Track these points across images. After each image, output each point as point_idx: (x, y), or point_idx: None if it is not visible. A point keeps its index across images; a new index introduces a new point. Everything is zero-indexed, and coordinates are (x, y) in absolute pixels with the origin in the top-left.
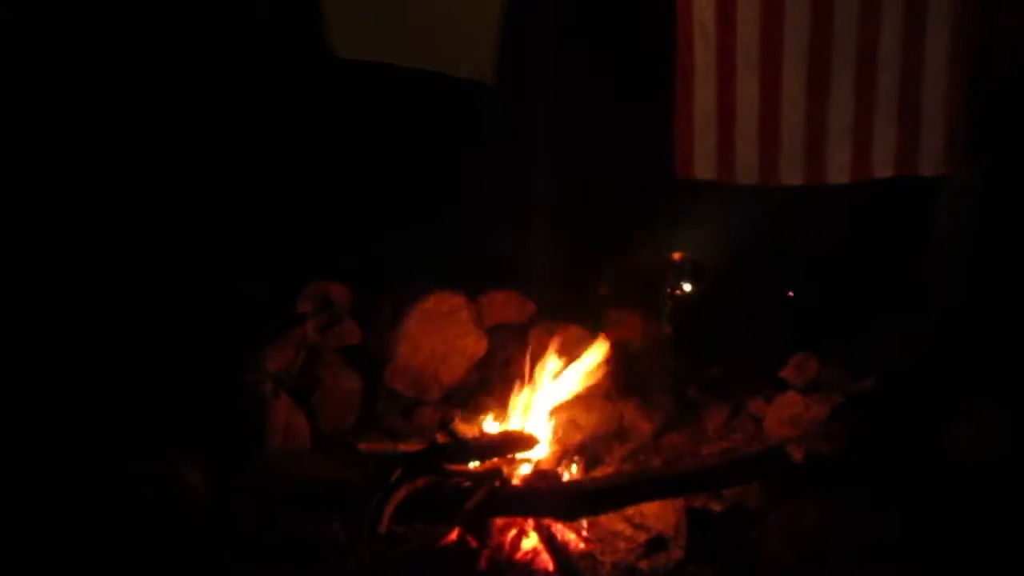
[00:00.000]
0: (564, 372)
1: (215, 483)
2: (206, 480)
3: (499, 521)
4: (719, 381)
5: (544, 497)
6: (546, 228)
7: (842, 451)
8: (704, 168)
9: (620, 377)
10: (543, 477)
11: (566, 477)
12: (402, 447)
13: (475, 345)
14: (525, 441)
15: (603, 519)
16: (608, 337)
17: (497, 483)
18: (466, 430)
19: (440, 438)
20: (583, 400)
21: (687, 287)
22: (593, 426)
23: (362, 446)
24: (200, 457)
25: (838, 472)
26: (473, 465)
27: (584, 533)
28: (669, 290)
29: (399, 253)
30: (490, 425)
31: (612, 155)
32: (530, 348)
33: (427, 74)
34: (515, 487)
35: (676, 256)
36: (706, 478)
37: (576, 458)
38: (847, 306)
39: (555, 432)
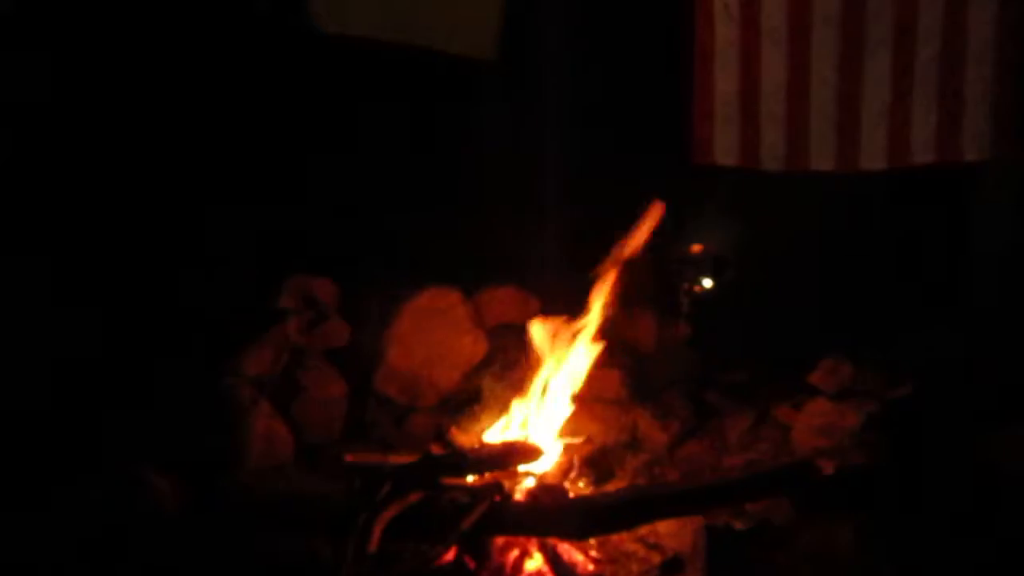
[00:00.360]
0: (560, 372)
1: (187, 497)
2: (177, 493)
3: (499, 540)
4: (742, 386)
5: (549, 514)
6: (552, 218)
7: (878, 464)
8: (725, 153)
9: (633, 382)
10: (548, 492)
11: (573, 492)
12: (393, 459)
13: (473, 347)
14: (528, 452)
15: (614, 539)
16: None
17: (497, 498)
18: (463, 440)
19: (435, 449)
20: (592, 408)
21: (706, 282)
22: (603, 436)
23: (349, 457)
24: (170, 468)
25: (874, 487)
26: (471, 479)
27: (593, 554)
28: (686, 286)
29: (391, 245)
30: (490, 434)
31: (624, 139)
32: (534, 349)
33: (421, 53)
34: (517, 503)
35: (694, 248)
36: (728, 493)
37: (584, 471)
38: (881, 305)
39: (561, 442)
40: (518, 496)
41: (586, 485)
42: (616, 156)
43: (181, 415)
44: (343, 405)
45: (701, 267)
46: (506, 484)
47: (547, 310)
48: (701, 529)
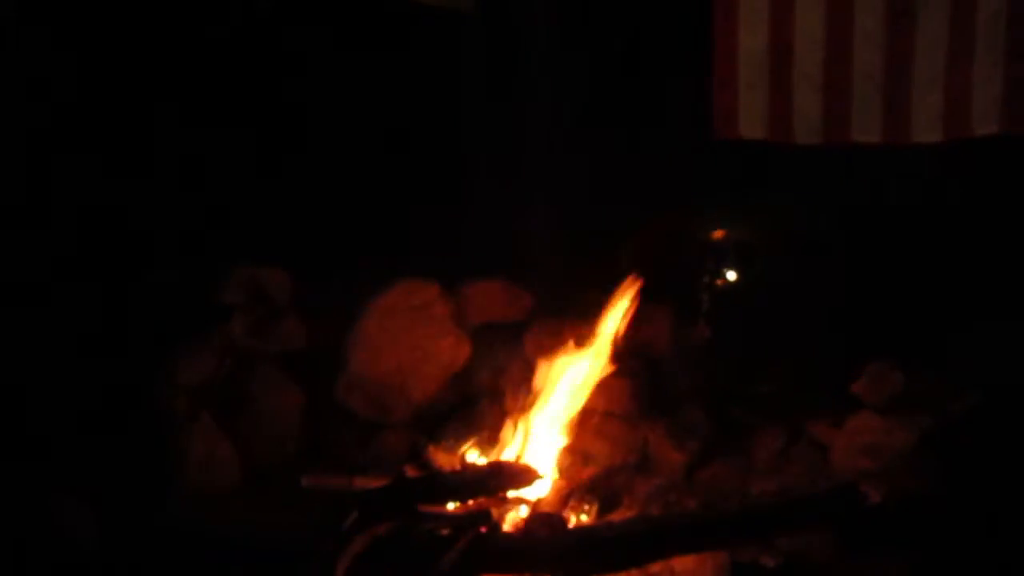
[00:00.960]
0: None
1: (111, 529)
2: (98, 525)
3: None
4: (772, 398)
5: (545, 549)
6: (548, 202)
7: (934, 490)
8: (751, 125)
9: (644, 392)
10: (544, 522)
11: (574, 522)
12: (359, 483)
13: (454, 350)
14: (521, 475)
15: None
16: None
17: (484, 530)
18: (443, 461)
19: (409, 471)
20: (597, 423)
21: (730, 275)
22: (609, 456)
23: (306, 482)
24: (92, 495)
25: (930, 519)
26: (453, 507)
27: None
28: (707, 279)
29: (358, 232)
30: (475, 455)
31: (633, 110)
32: (527, 354)
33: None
34: (508, 535)
35: (716, 235)
36: (756, 525)
37: (586, 498)
38: (937, 303)
39: (560, 464)
40: (508, 527)
41: (588, 515)
42: (623, 130)
43: (105, 431)
44: (299, 420)
45: (724, 257)
46: (494, 513)
47: (541, 308)
48: (725, 567)
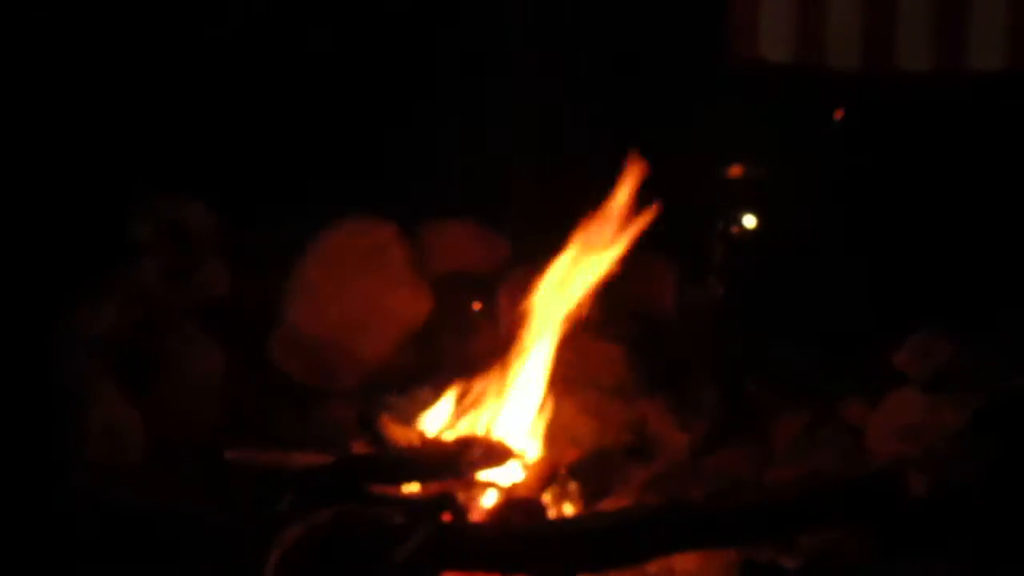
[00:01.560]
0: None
1: None
2: None
3: None
4: (795, 370)
5: (520, 542)
6: (528, 128)
7: (987, 479)
8: (775, 45)
9: (642, 362)
10: (519, 511)
11: (555, 512)
12: (296, 459)
13: (413, 304)
14: (492, 454)
15: None
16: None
17: (447, 518)
18: (398, 435)
19: (357, 447)
20: (585, 397)
21: (748, 222)
22: (598, 435)
23: (231, 457)
24: None
25: (982, 512)
26: (410, 490)
27: None
28: (721, 226)
29: (296, 159)
30: (436, 427)
31: (630, 20)
32: (500, 310)
33: None
34: (475, 526)
35: (732, 172)
36: (774, 519)
37: (571, 484)
38: (993, 267)
39: (540, 441)
40: (476, 516)
41: (573, 503)
42: (627, 44)
43: None
44: (222, 384)
45: (742, 199)
46: (460, 498)
47: (518, 256)
48: (733, 567)
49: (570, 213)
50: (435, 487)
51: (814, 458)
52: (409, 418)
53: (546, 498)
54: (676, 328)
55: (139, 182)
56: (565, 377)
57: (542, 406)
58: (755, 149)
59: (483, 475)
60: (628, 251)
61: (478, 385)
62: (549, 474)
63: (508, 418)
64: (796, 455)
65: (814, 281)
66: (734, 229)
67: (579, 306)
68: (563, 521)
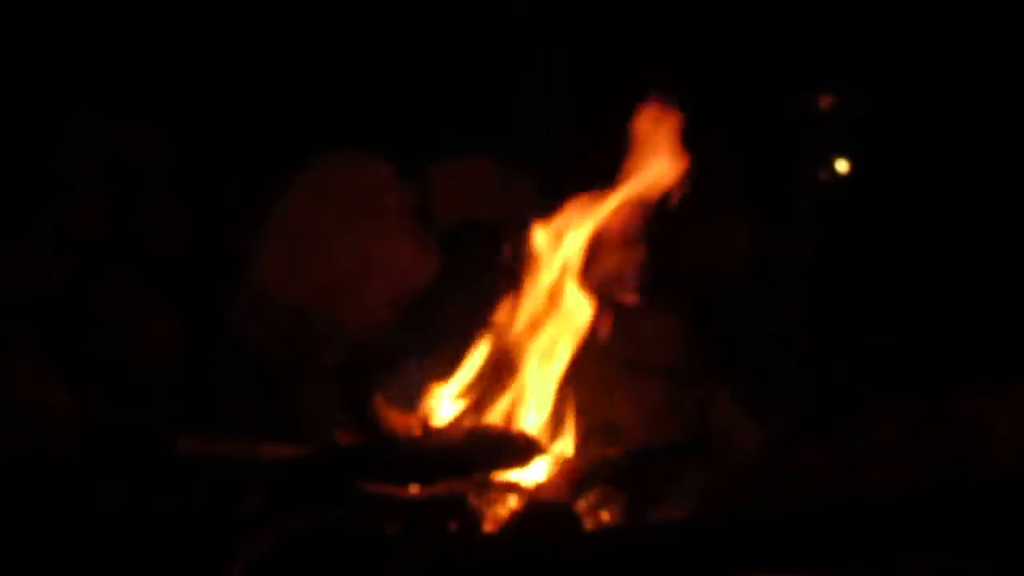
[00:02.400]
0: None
1: None
2: None
3: None
4: (898, 352)
5: (547, 558)
6: (553, 50)
7: None
8: None
9: (704, 338)
10: (546, 519)
11: (590, 522)
12: (266, 451)
13: (414, 261)
14: (513, 448)
15: None
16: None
17: (454, 526)
18: (397, 422)
19: (342, 436)
20: (631, 378)
21: (840, 165)
22: (645, 428)
23: (185, 447)
24: None
25: None
26: (409, 491)
27: None
28: (806, 168)
29: (274, 80)
30: (445, 415)
31: None
32: (523, 269)
33: None
34: (490, 537)
35: (823, 102)
36: (869, 535)
37: (611, 488)
38: None
39: (573, 434)
40: (491, 525)
41: (613, 512)
42: None
43: None
44: (174, 357)
45: (834, 136)
46: (471, 502)
47: (543, 202)
48: None
49: (606, 150)
50: (440, 488)
51: (922, 459)
52: (408, 401)
53: (580, 505)
54: (749, 296)
55: (73, 102)
56: (607, 355)
57: (576, 390)
58: (849, 78)
59: (501, 474)
60: (684, 201)
61: (496, 362)
62: (584, 475)
63: (533, 404)
64: (898, 457)
65: (921, 242)
66: (822, 174)
67: (625, 267)
68: (601, 534)
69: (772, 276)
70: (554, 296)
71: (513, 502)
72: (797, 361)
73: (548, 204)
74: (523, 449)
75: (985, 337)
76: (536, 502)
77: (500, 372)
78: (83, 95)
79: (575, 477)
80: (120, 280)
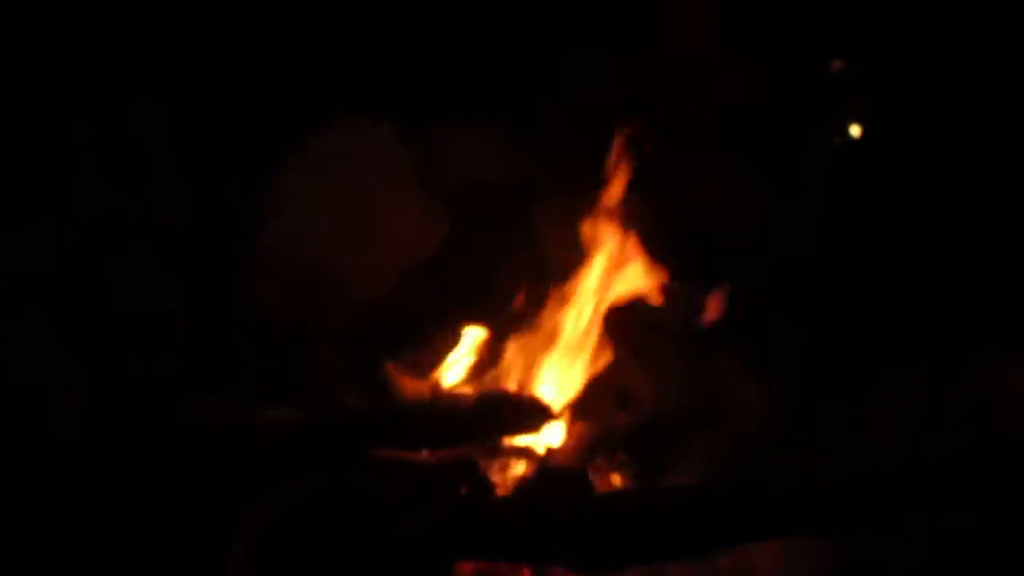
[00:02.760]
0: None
1: None
2: None
3: (468, 568)
4: (912, 313)
5: (559, 522)
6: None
7: None
8: None
9: (711, 302)
10: (558, 484)
11: (602, 486)
12: (273, 416)
13: (422, 226)
14: (524, 412)
15: (675, 572)
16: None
17: (465, 490)
18: (407, 386)
19: (351, 401)
20: (639, 342)
21: (853, 130)
22: (657, 393)
23: (190, 412)
24: None
25: None
26: (419, 455)
27: None
28: (819, 131)
29: (277, 42)
30: (453, 378)
31: None
32: (535, 234)
33: None
34: (502, 501)
35: (835, 65)
36: (878, 499)
37: (622, 452)
38: None
39: (584, 400)
40: (503, 490)
41: (624, 478)
42: None
43: None
44: (181, 326)
45: (848, 100)
46: (482, 467)
47: (556, 166)
48: (830, 560)
49: (616, 119)
50: (451, 453)
51: (936, 423)
52: (419, 366)
53: (591, 470)
54: (757, 257)
55: (73, 70)
56: (615, 321)
57: (587, 356)
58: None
59: (512, 439)
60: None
61: (506, 328)
62: (595, 440)
63: (544, 370)
64: (909, 420)
65: (935, 205)
66: (836, 139)
67: (633, 234)
68: (611, 499)
69: (780, 238)
70: (565, 263)
71: (524, 467)
72: (806, 323)
73: (557, 169)
74: (534, 414)
75: (996, 302)
76: (547, 467)
77: (511, 339)
78: (87, 63)
79: (586, 442)
80: (125, 253)
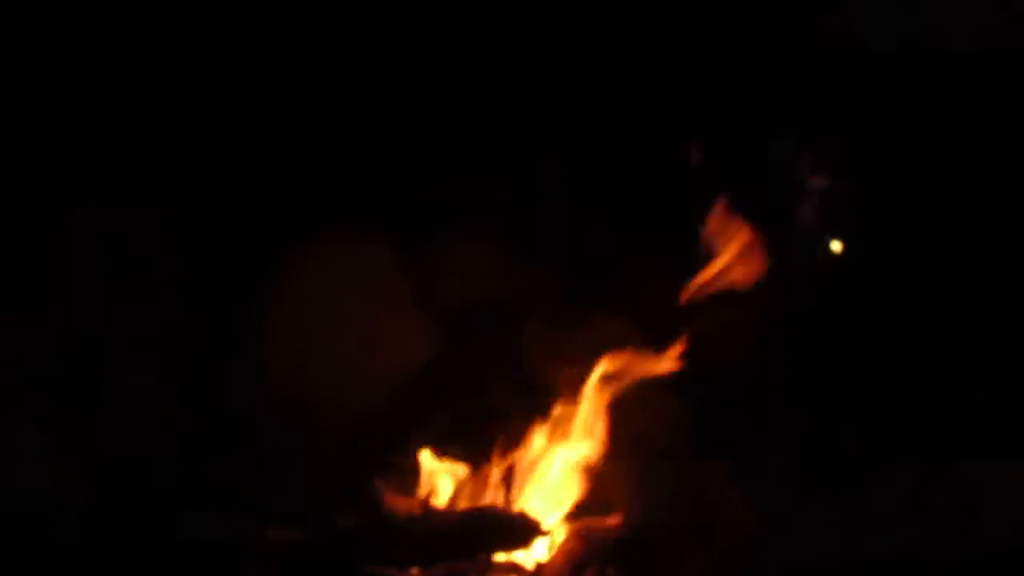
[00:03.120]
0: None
1: None
2: None
3: None
4: (899, 417)
5: None
6: (555, 133)
7: None
8: None
9: (703, 412)
10: None
11: None
12: (269, 534)
13: (417, 342)
14: (513, 528)
15: None
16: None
17: None
18: (397, 504)
19: (344, 519)
20: (628, 456)
21: (836, 246)
22: (645, 507)
23: (186, 529)
24: None
25: None
26: (411, 573)
27: None
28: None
29: (272, 158)
30: (445, 495)
31: None
32: (525, 352)
33: None
34: None
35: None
36: None
37: (612, 568)
38: None
39: (572, 516)
40: None
41: None
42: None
43: None
44: (178, 439)
45: (829, 216)
46: None
47: (548, 286)
48: None
49: (609, 236)
50: (442, 569)
51: (926, 520)
52: (409, 483)
53: None
54: (746, 366)
55: (75, 186)
56: (605, 433)
57: (575, 471)
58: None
59: (501, 555)
60: None
61: (496, 443)
62: (583, 556)
63: (533, 485)
64: (901, 520)
65: (921, 300)
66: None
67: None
68: None
69: (770, 343)
70: (556, 378)
71: None
72: (798, 430)
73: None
74: (523, 530)
75: (984, 403)
76: None
77: (500, 454)
78: (84, 179)
79: (576, 558)
80: (124, 355)
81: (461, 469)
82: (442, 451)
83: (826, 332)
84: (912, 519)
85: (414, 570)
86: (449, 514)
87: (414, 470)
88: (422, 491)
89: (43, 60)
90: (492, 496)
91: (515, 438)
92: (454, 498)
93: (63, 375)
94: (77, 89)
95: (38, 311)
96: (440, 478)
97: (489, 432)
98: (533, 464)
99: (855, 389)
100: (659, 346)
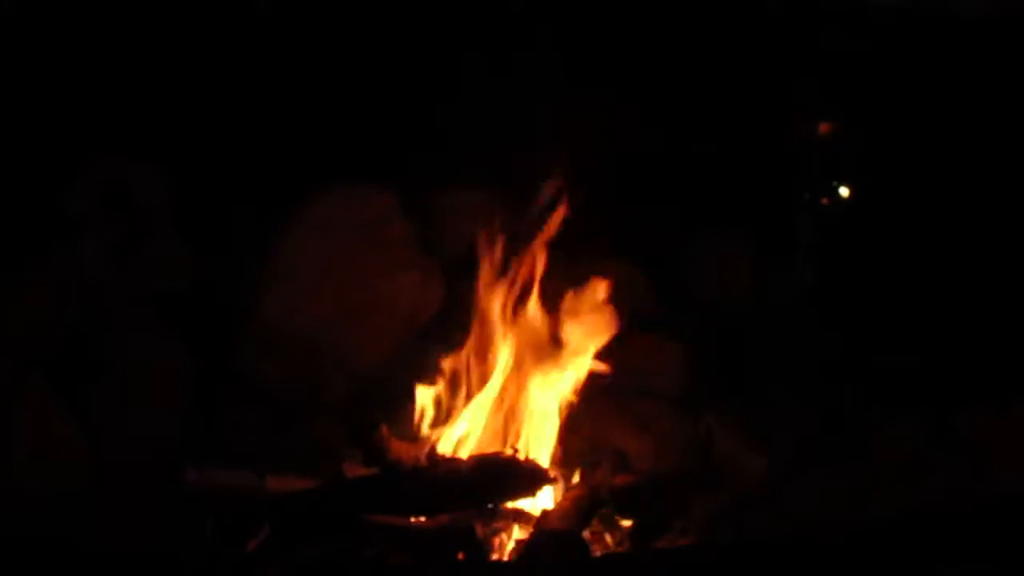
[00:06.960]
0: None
1: None
2: None
3: None
4: (901, 375)
5: None
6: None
7: None
8: None
9: (709, 365)
10: (553, 547)
11: (598, 548)
12: (273, 484)
13: (420, 292)
14: (520, 476)
15: None
16: None
17: (462, 556)
18: (403, 452)
19: (349, 469)
20: (635, 407)
21: (843, 190)
22: (653, 456)
23: (192, 479)
24: None
25: None
26: (416, 521)
27: None
28: (808, 195)
29: (274, 114)
30: (449, 444)
31: None
32: (531, 299)
33: None
34: (499, 565)
35: (823, 128)
36: (876, 560)
37: (617, 515)
38: None
39: (580, 462)
40: (499, 554)
41: (620, 540)
42: None
43: None
44: (182, 393)
45: (835, 161)
46: (478, 531)
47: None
48: None
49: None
50: (447, 518)
51: (927, 482)
52: (415, 433)
53: (587, 533)
54: (753, 322)
55: (78, 143)
56: (613, 383)
57: (583, 419)
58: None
59: (508, 503)
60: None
61: (502, 391)
62: (590, 503)
63: (540, 433)
64: (905, 479)
65: (925, 267)
66: (824, 200)
67: (631, 298)
68: (607, 561)
69: (774, 304)
70: (562, 328)
71: (520, 530)
72: (801, 387)
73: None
74: (530, 478)
75: (985, 358)
76: (543, 530)
77: (506, 402)
78: (91, 136)
79: (582, 505)
80: (127, 318)
81: (466, 421)
82: (448, 401)
83: (830, 285)
84: (916, 475)
85: (420, 518)
86: (455, 463)
87: (419, 417)
88: (429, 440)
89: (53, 24)
90: (498, 444)
91: (524, 387)
92: (461, 447)
93: (66, 335)
94: (82, 53)
95: (40, 275)
96: (446, 428)
97: (497, 382)
98: (541, 412)
99: (859, 348)
100: None
